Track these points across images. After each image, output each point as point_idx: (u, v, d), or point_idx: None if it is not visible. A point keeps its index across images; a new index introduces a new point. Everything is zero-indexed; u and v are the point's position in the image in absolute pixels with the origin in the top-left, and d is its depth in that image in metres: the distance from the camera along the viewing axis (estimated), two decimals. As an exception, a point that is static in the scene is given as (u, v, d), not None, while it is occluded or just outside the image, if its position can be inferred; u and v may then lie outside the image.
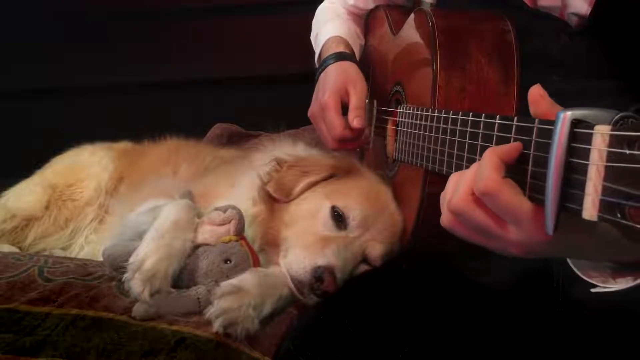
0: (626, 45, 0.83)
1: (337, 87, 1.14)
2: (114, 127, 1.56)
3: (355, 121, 1.10)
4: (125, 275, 0.86)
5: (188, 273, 0.91)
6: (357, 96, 1.13)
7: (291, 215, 1.01)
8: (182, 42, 2.01)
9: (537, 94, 0.56)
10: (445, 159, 0.76)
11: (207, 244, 0.93)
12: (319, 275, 0.89)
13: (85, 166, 1.45)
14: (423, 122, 0.86)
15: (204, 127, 1.81)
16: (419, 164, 0.88)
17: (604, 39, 0.85)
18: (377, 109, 1.20)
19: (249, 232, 1.00)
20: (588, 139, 0.46)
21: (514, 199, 0.54)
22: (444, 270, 0.87)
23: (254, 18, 2.00)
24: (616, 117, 0.46)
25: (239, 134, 1.82)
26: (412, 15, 1.03)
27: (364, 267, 0.99)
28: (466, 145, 0.69)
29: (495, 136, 0.61)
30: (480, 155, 0.60)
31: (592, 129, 0.46)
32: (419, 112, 0.89)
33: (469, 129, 0.68)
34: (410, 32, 1.06)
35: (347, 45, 1.25)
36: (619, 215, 0.43)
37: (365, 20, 1.36)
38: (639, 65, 0.81)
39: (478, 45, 0.89)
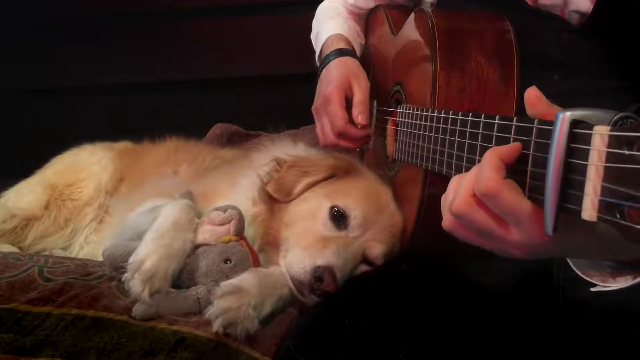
0: (627, 44, 0.82)
1: (340, 81, 1.14)
2: (114, 127, 1.56)
3: (359, 117, 1.10)
4: (125, 276, 0.86)
5: (188, 273, 0.91)
6: (361, 91, 1.13)
7: (291, 215, 1.01)
8: (182, 42, 2.01)
9: (533, 95, 0.56)
10: (445, 159, 0.76)
11: (207, 244, 0.93)
12: (319, 275, 0.89)
13: (85, 166, 1.45)
14: (423, 122, 0.86)
15: (204, 127, 1.81)
16: (418, 164, 0.88)
17: (605, 37, 0.84)
18: (377, 109, 1.20)
19: (249, 232, 1.00)
20: (587, 139, 0.46)
21: (515, 199, 0.54)
22: (444, 270, 0.87)
23: (254, 18, 2.00)
24: (615, 117, 0.46)
25: (239, 134, 1.82)
26: (412, 15, 1.03)
27: (364, 268, 0.99)
28: (466, 146, 0.69)
29: (494, 136, 0.61)
30: (480, 155, 0.60)
31: (591, 129, 0.46)
32: (419, 112, 0.89)
33: (468, 129, 0.68)
34: (410, 32, 1.06)
35: (348, 42, 1.26)
36: (618, 216, 0.43)
37: (365, 20, 1.36)
38: (639, 64, 0.81)
39: (478, 45, 0.89)
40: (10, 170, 1.48)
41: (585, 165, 0.46)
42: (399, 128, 1.02)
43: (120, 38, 1.98)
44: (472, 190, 0.58)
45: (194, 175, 1.31)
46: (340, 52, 1.21)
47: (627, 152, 0.42)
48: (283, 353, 0.80)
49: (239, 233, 0.95)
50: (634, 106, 0.45)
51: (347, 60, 1.19)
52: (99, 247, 1.28)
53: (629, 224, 0.42)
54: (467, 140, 0.68)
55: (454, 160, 0.73)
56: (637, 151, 0.42)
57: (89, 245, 1.35)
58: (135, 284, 0.84)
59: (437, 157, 0.79)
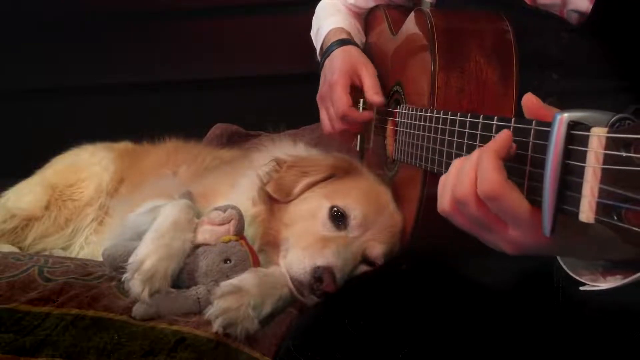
0: (626, 43, 0.82)
1: (346, 68, 1.15)
2: (114, 127, 1.56)
3: (375, 97, 1.11)
4: (125, 276, 0.86)
5: (188, 273, 0.91)
6: (369, 76, 1.14)
7: (291, 215, 1.01)
8: (182, 42, 2.01)
9: (530, 101, 0.56)
10: (444, 159, 0.76)
11: (206, 244, 0.93)
12: (319, 275, 0.89)
13: (86, 166, 1.45)
14: (422, 123, 0.86)
15: (204, 127, 1.81)
16: (417, 164, 0.88)
17: (604, 37, 0.84)
18: (377, 109, 1.20)
19: (248, 232, 1.00)
20: (584, 141, 0.46)
21: (516, 202, 0.54)
22: (444, 270, 0.87)
23: (254, 18, 2.01)
24: (613, 119, 0.46)
25: (239, 134, 1.82)
26: (411, 15, 1.03)
27: (364, 268, 0.99)
28: (464, 146, 0.69)
29: (493, 137, 0.61)
30: None
31: (589, 131, 0.46)
32: (418, 113, 0.89)
33: (467, 130, 0.68)
34: (409, 32, 1.06)
35: (350, 35, 1.26)
36: (615, 218, 0.43)
37: (365, 20, 1.36)
38: (639, 63, 0.81)
39: (477, 45, 0.89)
40: (10, 170, 1.48)
41: (583, 167, 0.46)
42: (399, 128, 1.02)
43: (120, 38, 1.98)
44: (473, 183, 0.58)
45: (193, 175, 1.31)
46: (342, 42, 1.22)
47: (624, 154, 0.42)
48: (283, 353, 0.80)
49: (239, 233, 0.95)
50: (632, 107, 0.45)
51: (351, 49, 1.20)
52: (99, 247, 1.28)
53: (626, 226, 0.42)
54: (465, 141, 0.68)
55: (452, 161, 0.73)
56: (635, 153, 0.42)
57: (89, 245, 1.36)
58: (135, 284, 0.84)
59: (436, 157, 0.79)
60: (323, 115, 1.19)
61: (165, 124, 1.52)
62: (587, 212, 0.46)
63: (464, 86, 0.87)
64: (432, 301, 0.83)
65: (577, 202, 0.47)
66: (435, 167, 0.79)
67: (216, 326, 0.81)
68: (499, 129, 0.60)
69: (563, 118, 0.48)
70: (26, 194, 1.40)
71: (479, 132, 0.65)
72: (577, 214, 0.47)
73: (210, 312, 0.82)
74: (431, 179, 0.87)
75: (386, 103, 1.15)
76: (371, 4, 1.32)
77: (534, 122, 0.54)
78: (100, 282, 0.91)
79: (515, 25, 0.90)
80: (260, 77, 2.03)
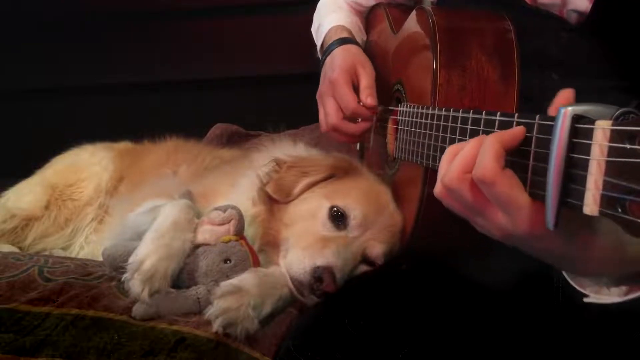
0: (626, 43, 0.82)
1: (346, 66, 1.14)
2: (114, 127, 1.56)
3: (368, 99, 1.10)
4: (125, 276, 0.86)
5: (188, 273, 0.91)
6: (367, 76, 1.13)
7: (291, 215, 1.01)
8: (182, 42, 2.01)
9: (565, 98, 0.56)
10: None
11: (206, 244, 0.93)
12: (319, 275, 0.89)
13: (86, 166, 1.45)
14: (424, 120, 0.86)
15: (204, 127, 1.81)
16: (419, 162, 0.88)
17: (603, 37, 0.84)
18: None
19: (248, 233, 0.99)
20: (589, 134, 0.47)
21: (510, 191, 0.55)
22: (444, 271, 0.87)
23: (254, 18, 2.01)
24: (617, 112, 0.46)
25: (239, 134, 1.82)
26: (412, 14, 1.04)
27: (364, 268, 0.99)
28: None
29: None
30: None
31: (593, 124, 0.46)
32: (420, 111, 0.89)
33: (469, 127, 0.68)
34: (410, 30, 1.06)
35: (350, 33, 1.26)
36: (619, 210, 0.43)
37: (366, 19, 1.36)
38: (639, 63, 0.81)
39: (478, 43, 0.89)
40: (10, 170, 1.48)
41: (587, 160, 0.46)
42: (400, 127, 1.02)
43: (120, 38, 1.98)
44: (465, 167, 0.59)
45: (193, 175, 1.31)
46: (343, 41, 1.21)
47: (628, 146, 0.43)
48: (283, 353, 0.80)
49: (239, 233, 0.95)
50: (636, 102, 0.45)
51: (351, 47, 1.19)
52: (99, 247, 1.28)
53: (630, 218, 0.42)
54: (468, 138, 0.68)
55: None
56: (639, 145, 0.42)
57: (89, 245, 1.36)
58: (135, 284, 0.84)
59: (438, 154, 0.79)
60: (321, 113, 1.19)
61: (165, 124, 1.52)
62: (591, 204, 0.46)
63: (466, 84, 0.87)
64: (432, 301, 0.83)
65: (581, 195, 0.47)
66: (437, 164, 0.79)
67: (216, 326, 0.81)
68: (502, 125, 0.60)
69: (567, 111, 0.48)
70: (26, 194, 1.40)
71: (481, 128, 0.65)
72: (581, 207, 0.47)
73: (210, 312, 0.82)
74: (432, 176, 0.87)
75: (387, 102, 1.15)
76: (372, 2, 1.32)
77: (537, 116, 0.54)
78: (100, 282, 0.91)
79: (516, 24, 0.90)
80: (260, 77, 2.03)
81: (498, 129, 0.61)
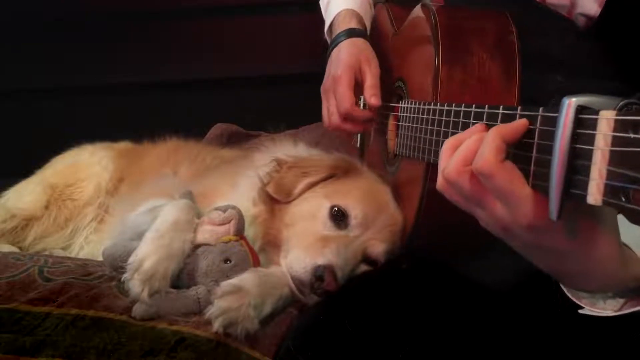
0: (633, 50, 0.82)
1: (351, 63, 1.13)
2: (114, 127, 1.56)
3: (372, 99, 1.10)
4: (125, 276, 0.86)
5: (188, 273, 0.91)
6: (372, 75, 1.12)
7: (291, 215, 1.01)
8: (182, 42, 2.01)
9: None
10: None
11: (207, 244, 0.93)
12: (320, 274, 0.89)
13: (86, 166, 1.45)
14: (425, 116, 0.86)
15: (204, 127, 1.81)
16: (420, 158, 0.88)
17: (611, 42, 0.84)
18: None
19: (249, 233, 0.99)
20: (593, 124, 0.47)
21: (510, 184, 0.55)
22: (444, 270, 0.87)
23: (254, 18, 2.01)
24: (621, 103, 0.46)
25: (239, 134, 1.82)
26: (414, 11, 1.04)
27: (364, 268, 0.99)
28: None
29: None
30: None
31: (597, 114, 0.46)
32: (421, 107, 0.89)
33: (471, 121, 0.68)
34: (412, 27, 1.06)
35: (359, 19, 1.24)
36: (623, 199, 0.43)
37: None
38: None
39: (480, 41, 0.89)
40: (10, 170, 1.48)
41: (591, 150, 0.46)
42: (401, 123, 1.02)
43: (120, 38, 1.98)
44: (465, 160, 0.60)
45: (194, 175, 1.31)
46: (351, 32, 1.20)
47: (632, 136, 0.43)
48: (283, 353, 0.80)
49: (239, 233, 0.95)
50: (639, 93, 0.46)
51: (358, 41, 1.18)
52: (99, 247, 1.28)
53: (634, 207, 0.42)
54: None
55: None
56: None
57: (89, 245, 1.35)
58: (135, 284, 0.84)
59: (440, 149, 0.79)
60: (324, 109, 1.18)
61: (165, 124, 1.52)
62: (595, 194, 0.46)
63: (467, 81, 0.87)
64: (433, 301, 0.83)
65: (585, 185, 0.47)
66: (439, 159, 0.80)
67: (216, 326, 0.81)
68: (505, 118, 0.60)
69: (571, 102, 0.49)
70: (26, 194, 1.39)
71: (484, 122, 0.65)
72: (584, 197, 0.47)
73: (211, 312, 0.82)
74: (433, 172, 0.87)
75: (388, 98, 1.15)
76: None
77: (540, 109, 0.55)
78: (100, 282, 0.91)
79: (523, 23, 0.90)
80: (260, 77, 2.03)
81: (501, 122, 0.61)
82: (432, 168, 0.86)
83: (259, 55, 2.00)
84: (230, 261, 0.91)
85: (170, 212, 0.94)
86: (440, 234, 0.89)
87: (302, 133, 1.66)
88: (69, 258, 1.17)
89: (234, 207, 0.95)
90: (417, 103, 0.92)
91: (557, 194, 0.50)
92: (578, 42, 0.88)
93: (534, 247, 0.60)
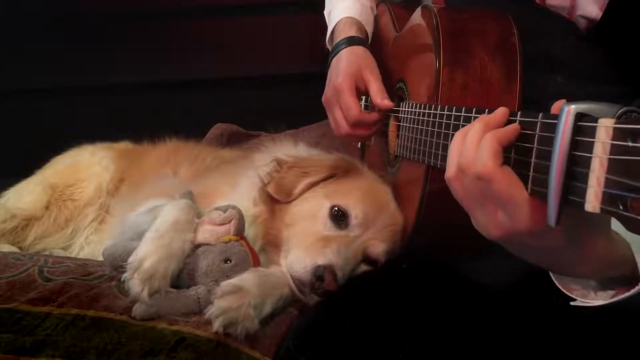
0: (634, 53, 0.82)
1: (351, 71, 1.14)
2: (114, 127, 1.56)
3: (385, 101, 1.09)
4: (125, 275, 0.86)
5: (188, 273, 0.91)
6: (375, 80, 1.12)
7: (292, 215, 1.01)
8: (182, 42, 2.01)
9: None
10: (447, 154, 0.76)
11: (207, 244, 0.93)
12: (320, 274, 0.89)
13: (86, 166, 1.45)
14: (426, 118, 0.86)
15: (204, 127, 1.81)
16: (420, 160, 0.89)
17: (612, 45, 0.84)
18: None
19: (250, 233, 0.99)
20: (592, 132, 0.47)
21: (508, 188, 0.55)
22: (444, 270, 0.87)
23: (254, 18, 2.00)
24: (620, 111, 0.47)
25: (239, 134, 1.82)
26: (416, 12, 1.04)
27: (364, 268, 0.99)
28: None
29: None
30: None
31: (596, 122, 0.47)
32: (422, 110, 0.89)
33: (472, 125, 0.68)
34: (414, 29, 1.06)
35: (360, 27, 1.24)
36: (621, 207, 0.43)
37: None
38: None
39: (481, 43, 0.89)
40: (10, 170, 1.48)
41: (590, 158, 0.47)
42: (402, 124, 1.02)
43: (120, 38, 1.98)
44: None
45: (194, 175, 1.31)
46: (350, 41, 1.20)
47: (631, 144, 0.43)
48: (283, 353, 0.80)
49: (239, 233, 0.95)
50: (638, 101, 0.46)
51: (357, 49, 1.19)
52: (100, 247, 1.28)
53: (631, 215, 0.43)
54: None
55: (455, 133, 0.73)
56: None
57: (90, 245, 1.35)
58: (135, 284, 0.84)
59: (440, 152, 0.79)
60: (331, 120, 1.19)
61: (165, 124, 1.52)
62: (592, 202, 0.46)
63: (468, 83, 0.87)
64: (433, 301, 0.83)
65: (583, 192, 0.47)
66: (439, 162, 0.80)
67: (216, 326, 0.81)
68: (505, 123, 0.60)
69: (571, 109, 0.49)
70: (26, 194, 1.39)
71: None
72: (582, 204, 0.47)
73: (211, 311, 0.82)
74: (433, 174, 0.87)
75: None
76: None
77: (540, 114, 0.55)
78: (100, 282, 0.91)
79: (523, 24, 0.90)
80: (260, 77, 2.03)
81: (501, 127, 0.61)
82: (432, 169, 0.86)
83: (259, 55, 2.00)
84: (231, 261, 0.91)
85: (170, 212, 0.94)
86: (440, 234, 0.89)
87: (302, 133, 1.66)
88: (69, 258, 1.17)
89: (234, 207, 0.95)
90: (418, 105, 0.92)
91: (555, 200, 0.50)
92: (579, 44, 0.88)
93: (532, 249, 0.60)
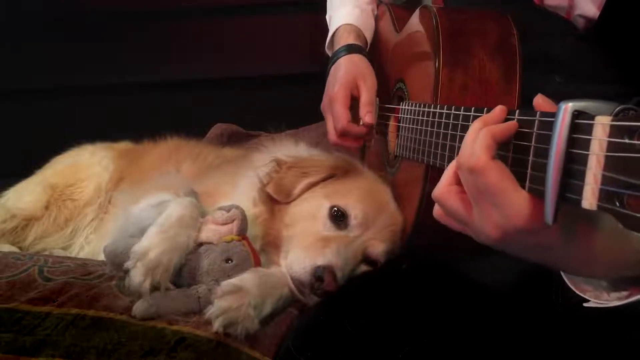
0: (632, 52, 0.82)
1: (347, 81, 1.15)
2: (114, 127, 1.56)
3: (367, 117, 1.12)
4: (127, 263, 0.85)
5: (189, 271, 0.91)
6: (367, 92, 1.14)
7: (291, 216, 1.01)
8: (182, 42, 2.01)
9: (543, 102, 0.58)
10: (447, 153, 0.76)
11: (209, 243, 0.93)
12: (319, 274, 0.89)
13: (86, 166, 1.45)
14: (425, 118, 0.86)
15: (204, 127, 1.81)
16: (420, 160, 0.89)
17: (610, 44, 0.84)
18: (380, 106, 1.20)
19: (249, 233, 0.99)
20: (589, 129, 0.47)
21: (500, 182, 0.56)
22: (444, 271, 0.87)
23: (254, 18, 2.01)
24: (617, 108, 0.47)
25: (239, 134, 1.82)
26: (415, 13, 1.04)
27: (364, 268, 0.99)
28: None
29: None
30: None
31: (593, 120, 0.47)
32: (422, 109, 0.89)
33: (470, 124, 0.68)
34: (413, 29, 1.06)
35: (358, 34, 1.25)
36: (617, 205, 0.44)
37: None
38: None
39: (481, 43, 0.89)
40: (10, 170, 1.48)
41: (587, 155, 0.47)
42: (401, 124, 1.02)
43: (120, 38, 1.98)
44: (449, 178, 0.63)
45: (196, 174, 1.31)
46: (349, 49, 1.21)
47: (627, 141, 0.43)
48: (283, 353, 0.80)
49: (242, 233, 0.95)
50: (636, 98, 0.46)
51: (355, 58, 1.19)
52: (100, 247, 1.28)
53: (628, 212, 0.43)
54: None
55: (455, 155, 0.73)
56: (638, 140, 0.42)
57: (90, 245, 1.35)
58: (137, 273, 0.83)
59: (439, 151, 0.79)
60: (327, 126, 1.20)
61: (165, 124, 1.52)
62: (589, 199, 0.46)
63: (468, 83, 0.87)
64: (433, 301, 0.83)
65: (579, 190, 0.47)
66: (438, 161, 0.80)
67: (216, 326, 0.81)
68: (503, 121, 0.61)
69: (568, 107, 0.49)
70: (26, 194, 1.39)
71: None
72: (579, 202, 0.47)
73: (211, 311, 0.82)
74: (433, 174, 0.87)
75: (389, 100, 1.15)
76: None
77: (538, 113, 0.55)
78: (100, 282, 0.91)
79: (522, 24, 0.90)
80: (260, 77, 2.03)
81: None
82: (431, 169, 0.86)
83: (259, 55, 2.00)
84: (232, 261, 0.91)
85: (175, 208, 0.94)
86: (440, 234, 0.89)
87: (302, 133, 1.66)
88: (69, 258, 1.17)
89: (237, 207, 0.95)
90: (417, 105, 0.92)
91: (552, 197, 0.50)
92: (577, 44, 0.88)
93: (529, 249, 0.60)
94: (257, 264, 0.94)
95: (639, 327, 0.69)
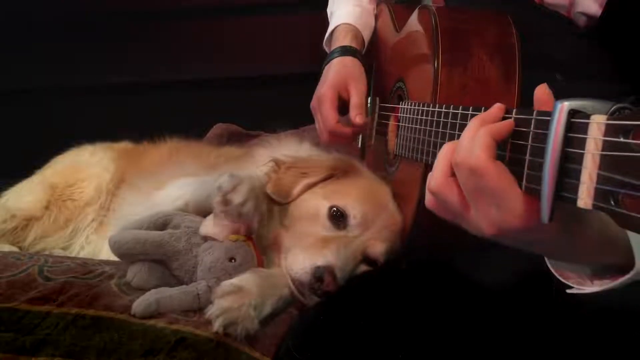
0: (634, 50, 0.82)
1: (336, 82, 1.16)
2: (114, 127, 1.56)
3: (357, 118, 1.13)
4: (226, 187, 0.89)
5: (191, 267, 0.91)
6: (357, 94, 1.14)
7: (290, 216, 1.01)
8: (182, 42, 2.02)
9: (543, 92, 0.57)
10: None
11: (214, 239, 0.93)
12: (319, 275, 0.89)
13: (86, 166, 1.45)
14: (424, 117, 0.87)
15: (204, 127, 1.81)
16: (419, 159, 0.89)
17: (612, 42, 0.84)
18: (379, 106, 1.20)
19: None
20: (584, 128, 0.47)
21: (499, 182, 0.56)
22: (443, 270, 0.87)
23: (254, 18, 2.01)
24: (613, 107, 0.47)
25: (239, 134, 1.82)
26: (415, 12, 1.04)
27: (364, 268, 0.99)
28: None
29: None
30: None
31: (589, 118, 0.47)
32: (421, 108, 0.89)
33: (468, 122, 0.68)
34: (413, 29, 1.06)
35: (356, 34, 1.26)
36: (612, 203, 0.44)
37: None
38: None
39: (480, 42, 0.89)
40: (10, 170, 1.48)
41: (582, 154, 0.47)
42: (401, 124, 1.02)
43: (120, 38, 1.98)
44: (445, 167, 0.62)
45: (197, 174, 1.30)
46: (343, 51, 1.22)
47: (623, 140, 0.43)
48: (283, 353, 0.80)
49: (249, 233, 0.95)
50: (631, 97, 0.46)
51: (348, 60, 1.20)
52: (100, 247, 1.29)
53: (623, 211, 0.43)
54: None
55: None
56: (633, 139, 0.42)
57: (90, 245, 1.35)
58: (240, 193, 0.88)
59: (438, 151, 0.79)
60: (316, 126, 1.21)
61: (165, 124, 1.52)
62: (585, 198, 0.46)
63: (467, 83, 0.87)
64: (432, 301, 0.83)
65: (575, 189, 0.47)
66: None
67: (216, 326, 0.81)
68: (501, 118, 0.61)
69: (564, 106, 0.49)
70: (26, 194, 1.39)
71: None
72: (575, 201, 0.47)
73: (211, 311, 0.82)
74: None
75: (389, 99, 1.15)
76: None
77: (534, 112, 0.55)
78: (100, 281, 0.91)
79: (521, 23, 0.90)
80: (260, 77, 2.03)
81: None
82: (431, 168, 0.86)
83: (259, 55, 2.01)
84: (235, 260, 0.91)
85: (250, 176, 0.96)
86: (439, 233, 0.89)
87: (303, 133, 1.66)
88: (69, 257, 1.17)
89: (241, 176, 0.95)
90: (416, 104, 0.92)
91: (548, 197, 0.50)
92: (578, 42, 0.88)
93: (524, 243, 0.61)
94: (260, 265, 0.94)
95: (630, 320, 0.70)
